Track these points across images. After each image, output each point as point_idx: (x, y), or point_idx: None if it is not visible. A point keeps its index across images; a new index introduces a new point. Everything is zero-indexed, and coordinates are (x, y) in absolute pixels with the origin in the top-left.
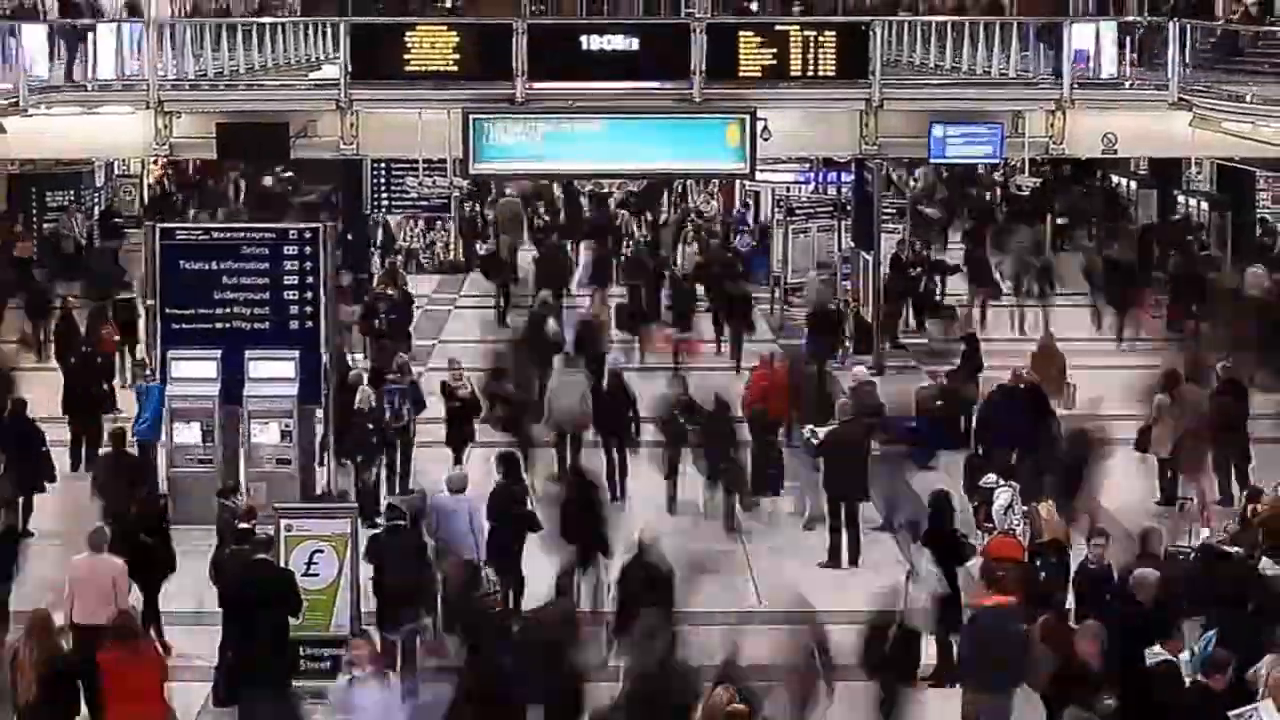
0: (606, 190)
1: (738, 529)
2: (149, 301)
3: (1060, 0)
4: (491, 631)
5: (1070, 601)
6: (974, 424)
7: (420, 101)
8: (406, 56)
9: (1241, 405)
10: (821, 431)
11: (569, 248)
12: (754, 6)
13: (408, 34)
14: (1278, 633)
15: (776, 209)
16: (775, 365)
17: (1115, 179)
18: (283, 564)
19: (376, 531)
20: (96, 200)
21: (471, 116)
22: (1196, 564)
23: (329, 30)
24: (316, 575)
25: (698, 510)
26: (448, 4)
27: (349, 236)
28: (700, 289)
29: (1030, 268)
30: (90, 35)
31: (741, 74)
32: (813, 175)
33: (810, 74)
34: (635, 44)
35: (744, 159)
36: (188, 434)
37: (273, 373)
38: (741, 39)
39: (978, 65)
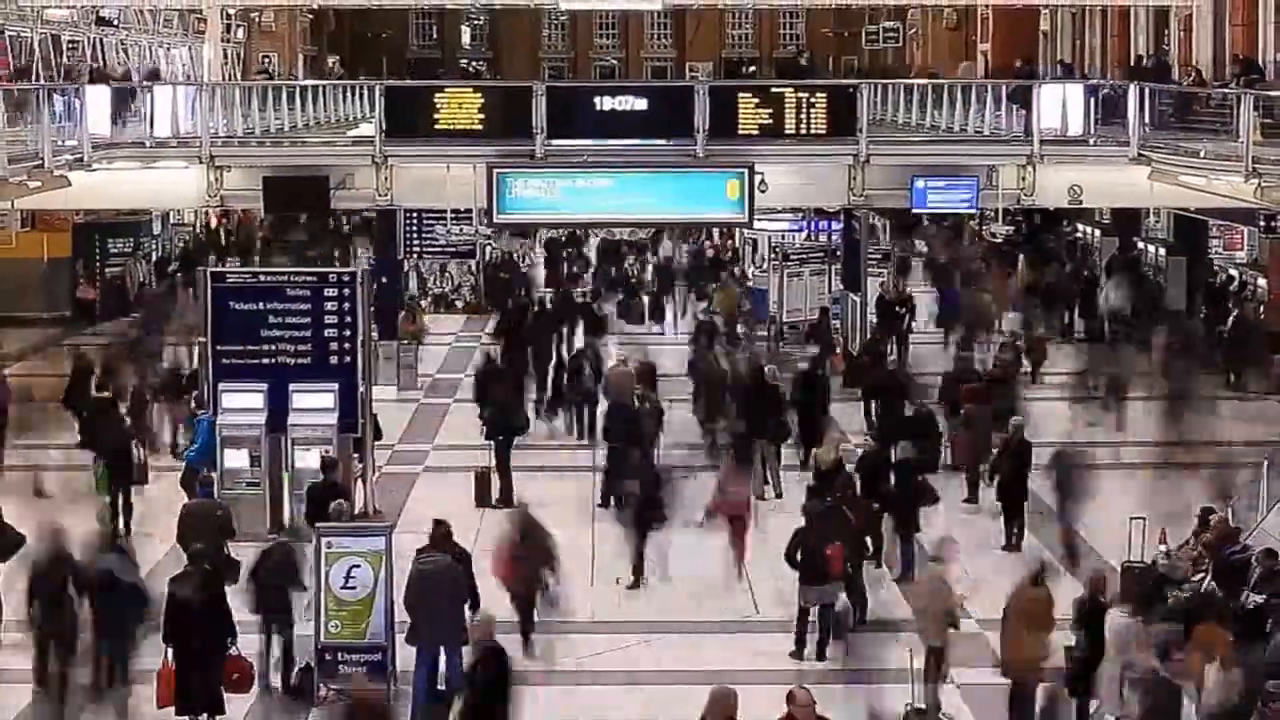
0: (618, 239)
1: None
2: (200, 339)
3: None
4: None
5: None
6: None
7: (448, 157)
8: (436, 116)
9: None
10: None
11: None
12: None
13: (437, 96)
14: None
15: (773, 255)
16: None
17: (1081, 227)
18: (322, 578)
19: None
20: (154, 247)
21: (495, 171)
22: None
23: (365, 92)
24: (354, 588)
25: None
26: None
27: (383, 279)
28: None
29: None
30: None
31: (741, 132)
32: (806, 224)
33: (803, 132)
34: (644, 105)
35: (743, 210)
36: (237, 459)
37: (314, 403)
38: (741, 100)
39: (955, 124)
